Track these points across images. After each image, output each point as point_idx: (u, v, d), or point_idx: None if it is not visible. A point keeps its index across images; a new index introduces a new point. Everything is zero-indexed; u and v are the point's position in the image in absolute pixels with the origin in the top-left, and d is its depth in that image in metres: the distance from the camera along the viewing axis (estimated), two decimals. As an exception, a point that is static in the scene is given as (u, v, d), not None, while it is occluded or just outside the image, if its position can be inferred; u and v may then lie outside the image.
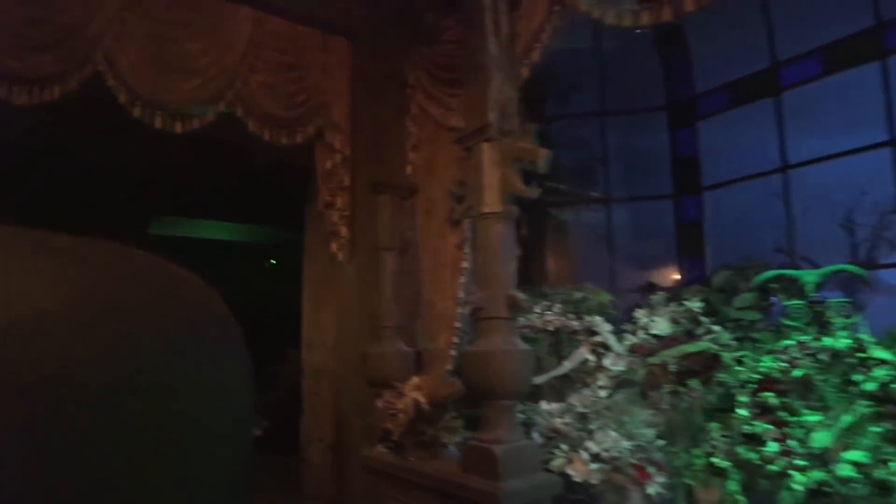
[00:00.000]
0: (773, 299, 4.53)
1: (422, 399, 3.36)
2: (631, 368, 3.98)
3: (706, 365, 3.81)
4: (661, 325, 4.02)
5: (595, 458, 3.18)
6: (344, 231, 4.03)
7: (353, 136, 4.11)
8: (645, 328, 4.09)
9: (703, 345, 3.83)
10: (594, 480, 3.14)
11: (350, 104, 4.13)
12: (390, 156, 4.23)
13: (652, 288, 5.73)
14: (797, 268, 5.36)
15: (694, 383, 3.77)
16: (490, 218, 2.98)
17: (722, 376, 3.71)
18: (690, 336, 3.97)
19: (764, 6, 5.62)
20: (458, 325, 3.83)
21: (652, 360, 3.92)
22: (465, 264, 3.82)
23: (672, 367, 3.81)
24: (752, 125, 5.99)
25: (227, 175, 6.86)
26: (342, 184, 4.03)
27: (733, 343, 3.94)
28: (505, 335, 2.94)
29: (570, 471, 3.19)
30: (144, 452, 1.85)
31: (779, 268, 5.60)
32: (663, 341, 3.95)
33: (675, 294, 4.48)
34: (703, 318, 4.06)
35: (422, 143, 4.08)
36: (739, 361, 3.71)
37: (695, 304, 4.07)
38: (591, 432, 3.29)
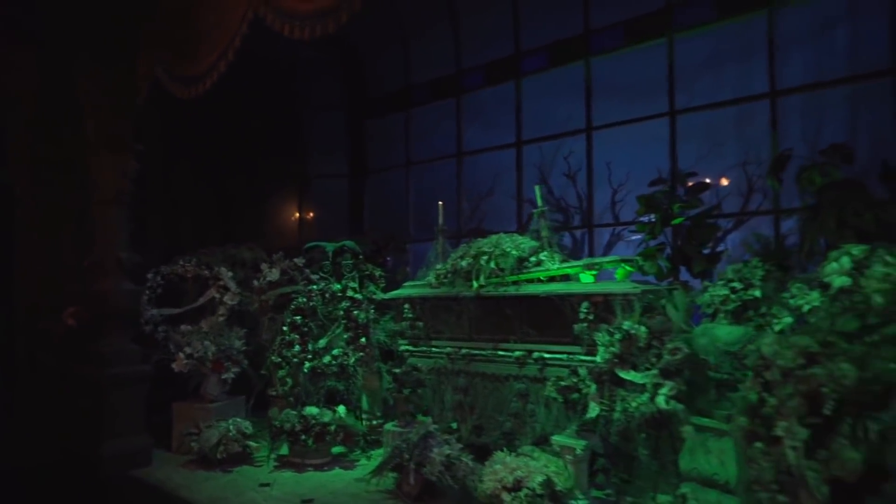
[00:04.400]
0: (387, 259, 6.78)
1: (71, 321, 4.96)
2: (251, 303, 5.92)
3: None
4: (274, 275, 5.96)
5: (189, 356, 5.06)
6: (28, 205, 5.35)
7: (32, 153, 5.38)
8: (265, 276, 6.01)
9: (294, 287, 5.85)
10: (185, 370, 5.04)
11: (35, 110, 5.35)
12: (74, 152, 5.56)
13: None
14: (409, 235, 7.66)
15: (286, 313, 5.81)
16: (107, 204, 4.62)
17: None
18: (291, 282, 5.97)
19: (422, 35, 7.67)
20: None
21: (263, 297, 5.89)
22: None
23: (271, 302, 5.81)
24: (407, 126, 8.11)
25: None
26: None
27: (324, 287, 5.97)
28: (115, 280, 4.64)
29: (173, 365, 5.06)
30: None
31: (404, 236, 7.92)
32: (272, 285, 5.91)
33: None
34: (306, 270, 6.08)
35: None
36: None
37: (300, 261, 6.06)
38: (190, 342, 5.15)
